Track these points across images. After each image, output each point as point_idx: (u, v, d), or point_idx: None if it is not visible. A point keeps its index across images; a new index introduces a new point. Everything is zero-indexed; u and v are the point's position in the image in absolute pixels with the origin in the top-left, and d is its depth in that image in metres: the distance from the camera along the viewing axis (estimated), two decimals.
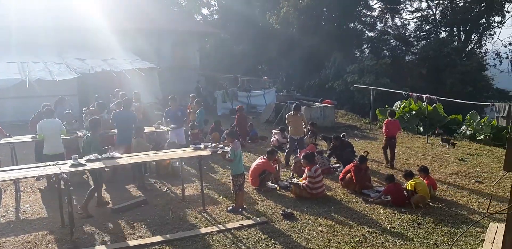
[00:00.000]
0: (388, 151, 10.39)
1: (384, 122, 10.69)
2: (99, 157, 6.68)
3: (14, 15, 17.68)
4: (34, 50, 16.99)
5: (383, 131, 10.69)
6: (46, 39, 17.24)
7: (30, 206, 7.34)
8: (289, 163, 10.16)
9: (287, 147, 10.44)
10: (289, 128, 10.32)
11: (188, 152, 7.55)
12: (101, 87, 15.39)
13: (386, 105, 19.67)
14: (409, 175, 7.78)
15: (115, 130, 9.01)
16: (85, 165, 6.34)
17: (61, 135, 7.91)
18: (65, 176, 5.81)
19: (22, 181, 8.37)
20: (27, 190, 8.23)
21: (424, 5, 34.99)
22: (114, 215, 6.80)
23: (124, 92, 12.15)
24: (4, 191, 8.15)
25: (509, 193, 6.76)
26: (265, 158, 8.54)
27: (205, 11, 39.68)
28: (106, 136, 9.01)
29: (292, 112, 10.30)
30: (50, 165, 6.34)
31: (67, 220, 5.97)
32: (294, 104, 10.73)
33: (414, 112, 17.94)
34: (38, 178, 8.45)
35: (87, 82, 15.75)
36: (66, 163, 6.41)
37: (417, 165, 9.67)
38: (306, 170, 7.89)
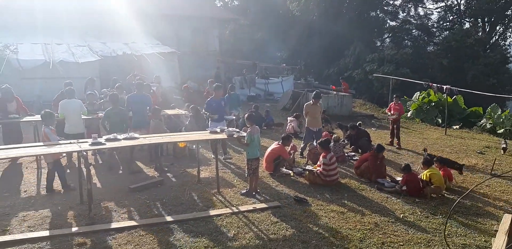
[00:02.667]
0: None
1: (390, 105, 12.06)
2: (118, 136, 6.83)
3: None
4: (57, 33, 17.21)
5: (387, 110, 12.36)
6: (70, 21, 17.43)
7: None
8: (303, 154, 9.80)
9: (303, 138, 9.86)
10: (307, 118, 9.73)
11: (204, 135, 7.64)
12: (122, 70, 15.58)
13: (405, 96, 19.42)
14: (427, 163, 7.70)
15: None
16: (104, 144, 6.50)
17: (82, 115, 8.11)
18: (84, 153, 5.98)
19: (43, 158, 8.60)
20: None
21: None
22: (131, 194, 6.96)
23: (139, 76, 12.26)
24: (26, 168, 8.44)
25: None
26: (280, 143, 8.58)
27: None
28: None
29: (311, 101, 9.66)
30: (70, 143, 6.51)
31: (86, 197, 6.15)
32: (314, 93, 9.91)
33: (433, 103, 17.70)
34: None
35: (108, 65, 15.93)
36: (86, 142, 6.57)
37: (434, 155, 9.65)
38: (321, 157, 7.91)
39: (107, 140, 6.68)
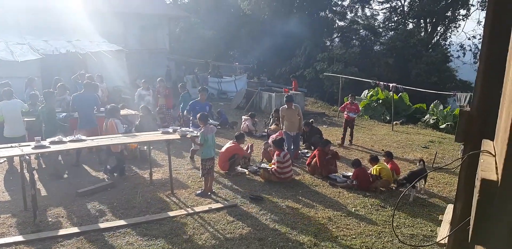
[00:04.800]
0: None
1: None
2: (64, 138, 6.51)
3: None
4: None
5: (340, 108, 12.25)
6: (8, 18, 16.41)
7: None
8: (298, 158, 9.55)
9: (285, 144, 9.10)
10: (284, 122, 9.37)
11: (156, 135, 7.46)
12: (66, 69, 14.87)
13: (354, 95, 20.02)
14: (374, 160, 8.00)
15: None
16: (49, 147, 6.16)
17: (22, 117, 7.66)
18: (27, 157, 5.64)
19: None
20: None
21: None
22: (79, 199, 6.66)
23: (90, 74, 11.81)
24: None
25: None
26: (235, 142, 8.57)
27: None
28: (71, 119, 8.78)
29: (285, 105, 9.27)
30: (12, 147, 6.12)
31: (30, 203, 5.81)
32: (285, 96, 9.59)
33: (380, 101, 18.39)
34: None
35: (51, 64, 15.15)
36: (29, 145, 6.20)
37: (383, 150, 10.03)
38: (275, 155, 7.99)
39: (52, 142, 6.35)
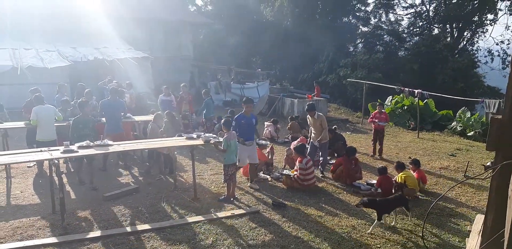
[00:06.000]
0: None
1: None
2: (91, 143, 6.67)
3: (7, 1, 17.36)
4: (26, 37, 16.73)
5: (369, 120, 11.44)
6: (38, 26, 16.97)
7: (21, 192, 7.31)
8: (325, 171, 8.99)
9: (307, 153, 8.56)
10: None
11: (181, 141, 7.55)
12: (94, 75, 15.26)
13: (379, 100, 19.77)
14: (400, 167, 7.84)
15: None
16: (77, 152, 6.32)
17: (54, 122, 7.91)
18: (56, 162, 5.80)
19: (13, 167, 8.32)
20: (18, 176, 8.19)
21: (418, 1, 35.47)
22: (106, 203, 6.80)
23: (117, 81, 12.08)
24: None
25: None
26: (257, 148, 8.57)
27: (199, 1, 39.43)
28: (97, 124, 8.99)
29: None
30: (41, 151, 6.31)
31: (58, 206, 5.96)
32: (307, 105, 8.94)
33: (405, 107, 18.09)
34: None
35: (79, 71, 15.59)
36: (58, 149, 6.38)
37: (409, 157, 9.82)
38: (297, 162, 7.95)
39: (80, 147, 6.51)
